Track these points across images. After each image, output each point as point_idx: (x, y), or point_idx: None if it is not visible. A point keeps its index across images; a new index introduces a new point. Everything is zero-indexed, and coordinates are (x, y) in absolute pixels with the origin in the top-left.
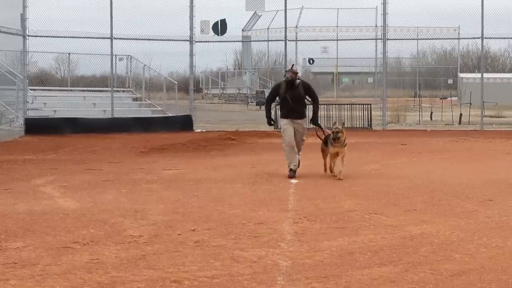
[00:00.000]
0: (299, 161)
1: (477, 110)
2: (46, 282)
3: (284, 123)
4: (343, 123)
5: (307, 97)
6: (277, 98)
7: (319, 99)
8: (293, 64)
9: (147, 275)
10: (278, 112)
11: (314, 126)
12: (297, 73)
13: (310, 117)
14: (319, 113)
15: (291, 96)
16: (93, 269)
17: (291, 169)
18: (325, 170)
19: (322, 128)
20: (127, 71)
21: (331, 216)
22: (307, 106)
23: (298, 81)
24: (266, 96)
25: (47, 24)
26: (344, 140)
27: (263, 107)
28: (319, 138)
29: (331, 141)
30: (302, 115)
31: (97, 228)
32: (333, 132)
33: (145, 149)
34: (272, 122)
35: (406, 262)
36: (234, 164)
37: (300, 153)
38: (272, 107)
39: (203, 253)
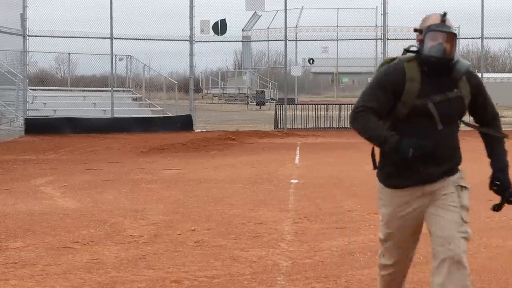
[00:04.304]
0: None
1: None
2: (46, 282)
3: (393, 203)
4: None
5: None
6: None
7: (320, 99)
8: (444, 13)
9: (147, 275)
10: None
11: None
12: (456, 35)
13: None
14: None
15: (443, 106)
16: (93, 269)
17: None
18: None
19: None
20: (127, 71)
21: (331, 216)
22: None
23: (465, 63)
24: (360, 98)
25: (47, 24)
26: None
27: (263, 107)
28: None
29: None
30: (454, 164)
31: (97, 228)
32: None
33: (145, 149)
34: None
35: None
36: (234, 164)
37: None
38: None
39: (203, 253)
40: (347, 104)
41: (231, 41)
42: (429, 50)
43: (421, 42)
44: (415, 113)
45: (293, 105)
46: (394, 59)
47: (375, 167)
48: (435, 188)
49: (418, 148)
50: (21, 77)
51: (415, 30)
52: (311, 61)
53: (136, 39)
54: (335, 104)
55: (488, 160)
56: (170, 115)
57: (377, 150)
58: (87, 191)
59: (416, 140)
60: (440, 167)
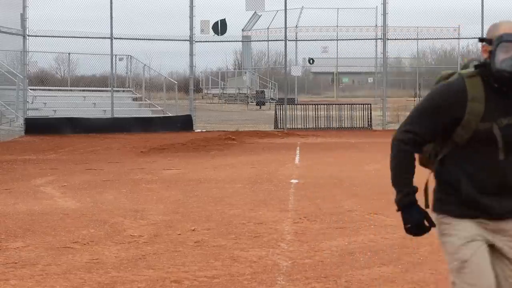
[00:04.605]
0: None
1: None
2: (46, 282)
3: (462, 232)
4: None
5: None
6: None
7: (320, 99)
8: None
9: (147, 275)
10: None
11: None
12: None
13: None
14: None
15: (509, 131)
16: (93, 269)
17: None
18: None
19: None
20: (127, 71)
21: (331, 216)
22: None
23: None
24: (402, 125)
25: (47, 24)
26: None
27: (263, 107)
28: None
29: None
30: None
31: (97, 228)
32: None
33: (145, 149)
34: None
35: (406, 262)
36: (234, 164)
37: None
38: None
39: (203, 253)
40: (347, 104)
41: (231, 41)
42: (500, 64)
43: (490, 54)
44: (477, 139)
45: (293, 105)
46: (453, 73)
47: (427, 205)
48: (501, 227)
49: (417, 230)
50: (21, 77)
51: (481, 40)
52: (311, 61)
53: (136, 39)
54: (335, 104)
55: None
56: (170, 115)
57: (430, 182)
58: (87, 191)
59: (421, 222)
60: (506, 203)
